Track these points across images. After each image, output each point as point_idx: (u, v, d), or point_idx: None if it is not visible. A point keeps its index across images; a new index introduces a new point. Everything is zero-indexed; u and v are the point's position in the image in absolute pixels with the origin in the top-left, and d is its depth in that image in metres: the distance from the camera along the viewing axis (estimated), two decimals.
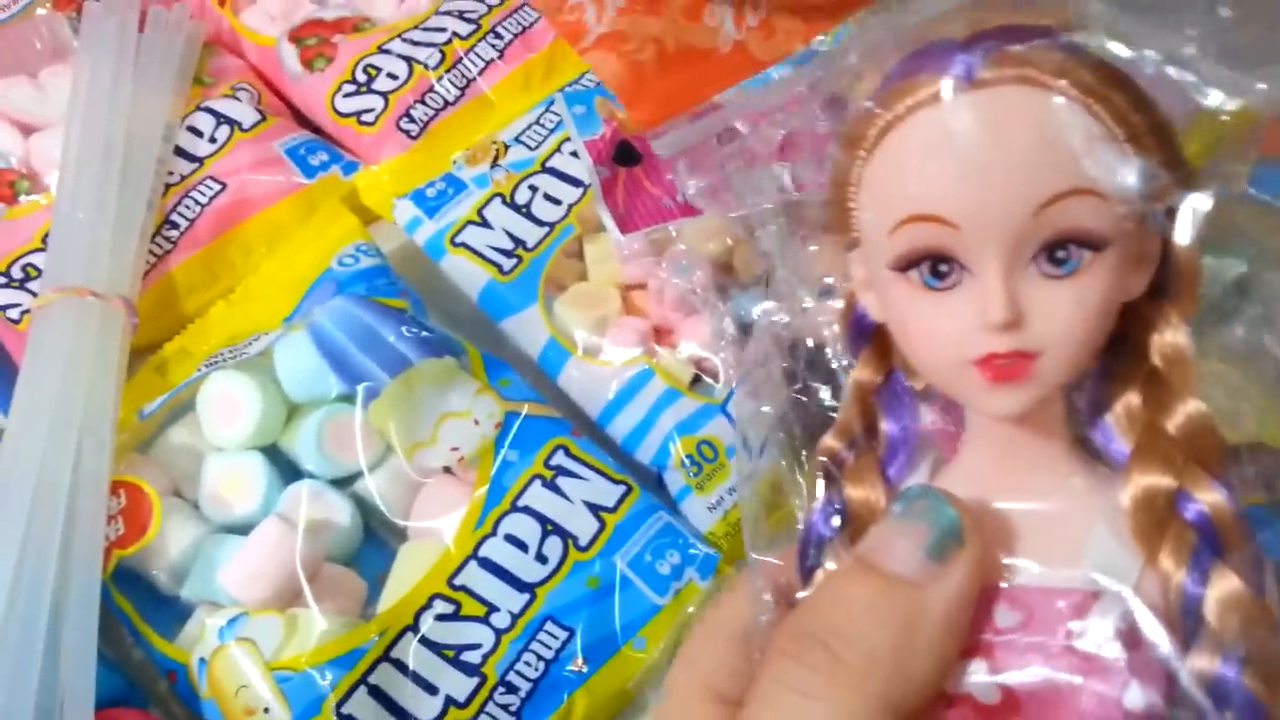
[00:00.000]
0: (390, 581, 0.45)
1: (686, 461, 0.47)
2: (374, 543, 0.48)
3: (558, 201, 0.55)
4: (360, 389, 0.47)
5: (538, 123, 0.58)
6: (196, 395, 0.49)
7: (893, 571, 0.23)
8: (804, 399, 0.35)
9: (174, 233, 0.56)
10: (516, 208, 0.55)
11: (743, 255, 0.53)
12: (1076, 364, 0.23)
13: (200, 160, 0.58)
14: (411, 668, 0.42)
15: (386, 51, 0.61)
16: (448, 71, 0.61)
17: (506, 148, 0.57)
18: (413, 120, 0.59)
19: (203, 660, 0.43)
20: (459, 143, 0.58)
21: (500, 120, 0.59)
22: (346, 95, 0.61)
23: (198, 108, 0.60)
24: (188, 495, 0.49)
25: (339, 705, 0.40)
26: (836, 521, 0.26)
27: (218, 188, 0.57)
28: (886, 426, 0.26)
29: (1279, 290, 0.58)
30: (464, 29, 0.62)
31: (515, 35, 0.63)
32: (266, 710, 0.41)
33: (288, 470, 0.49)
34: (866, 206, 0.24)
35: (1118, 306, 0.23)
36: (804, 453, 0.38)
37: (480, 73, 0.61)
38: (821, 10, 0.40)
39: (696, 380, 0.50)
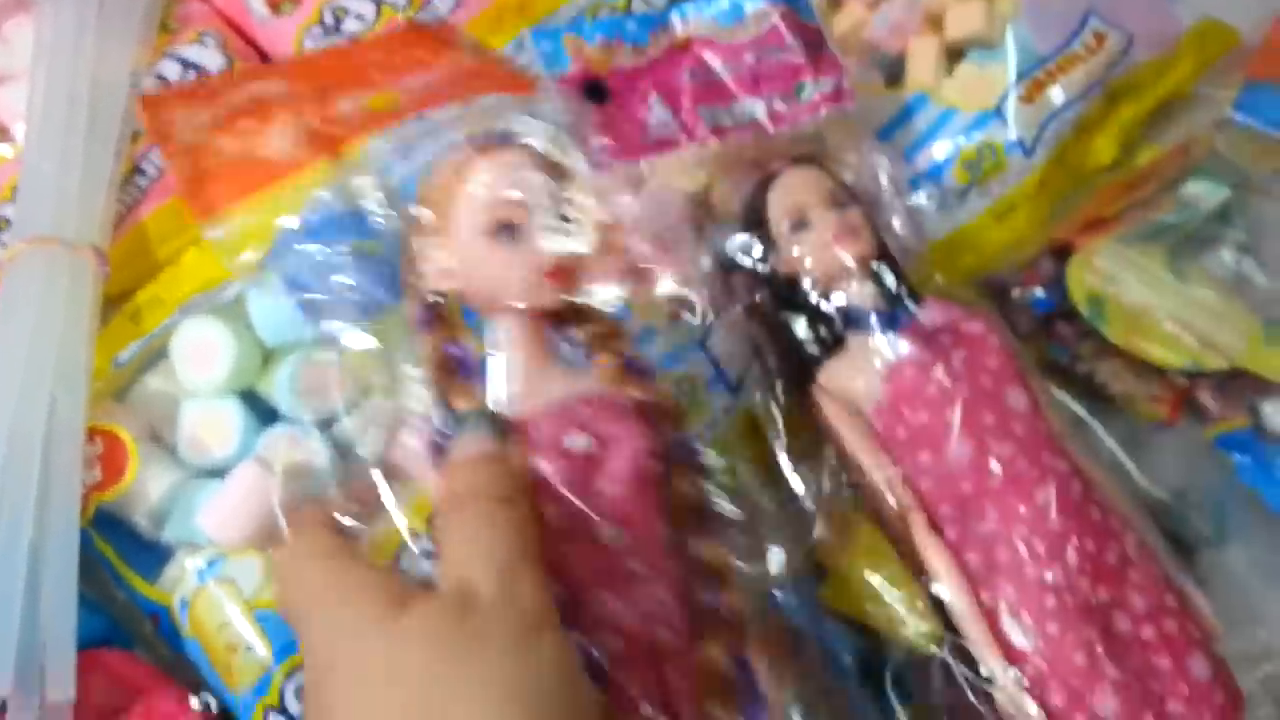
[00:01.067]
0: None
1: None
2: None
3: None
4: (335, 332, 0.46)
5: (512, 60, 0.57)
6: (170, 341, 0.48)
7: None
8: (779, 332, 0.47)
9: (144, 180, 0.55)
10: None
11: (720, 191, 0.53)
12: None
13: None
14: None
15: None
16: (418, 11, 0.60)
17: None
18: None
19: (184, 601, 0.43)
20: None
21: None
22: (315, 38, 0.59)
23: (164, 55, 0.59)
24: (166, 440, 0.48)
25: None
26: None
27: None
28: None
29: (1263, 216, 0.58)
30: None
31: None
32: (249, 648, 0.41)
33: (267, 414, 0.48)
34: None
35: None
36: (777, 384, 0.41)
37: (451, 10, 0.60)
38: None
39: (675, 318, 0.50)
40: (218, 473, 0.46)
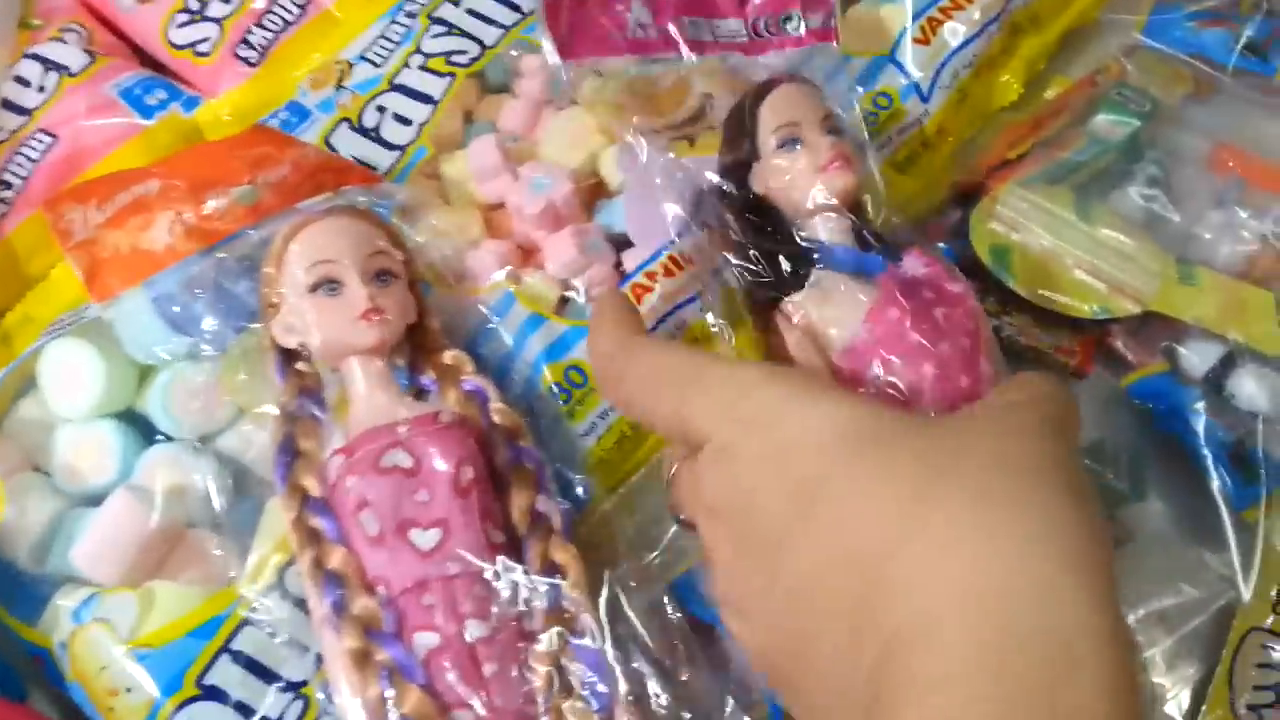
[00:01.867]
0: (256, 540, 0.43)
1: (555, 389, 0.45)
2: (244, 499, 0.46)
3: (408, 122, 0.52)
4: (204, 344, 0.44)
5: (384, 36, 0.54)
6: (37, 366, 0.46)
7: None
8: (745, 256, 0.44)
9: (8, 193, 0.53)
10: (365, 131, 0.52)
11: (609, 163, 0.51)
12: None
13: (29, 112, 0.54)
14: (276, 626, 0.40)
15: None
16: None
17: (351, 66, 0.54)
18: (250, 46, 0.56)
19: (63, 644, 0.41)
20: (302, 66, 0.55)
21: (345, 36, 0.55)
22: (180, 25, 0.57)
23: (24, 55, 0.56)
24: (45, 469, 0.46)
25: (200, 677, 0.39)
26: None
27: (49, 140, 0.53)
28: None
29: (1176, 148, 0.56)
30: None
31: None
32: (129, 690, 0.39)
33: (152, 433, 0.46)
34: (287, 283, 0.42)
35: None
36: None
37: None
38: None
39: (564, 301, 0.48)
40: (98, 500, 0.44)
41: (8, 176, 0.53)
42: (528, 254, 0.49)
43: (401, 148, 0.51)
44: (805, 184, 0.43)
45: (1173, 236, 0.51)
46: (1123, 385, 0.49)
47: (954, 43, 0.53)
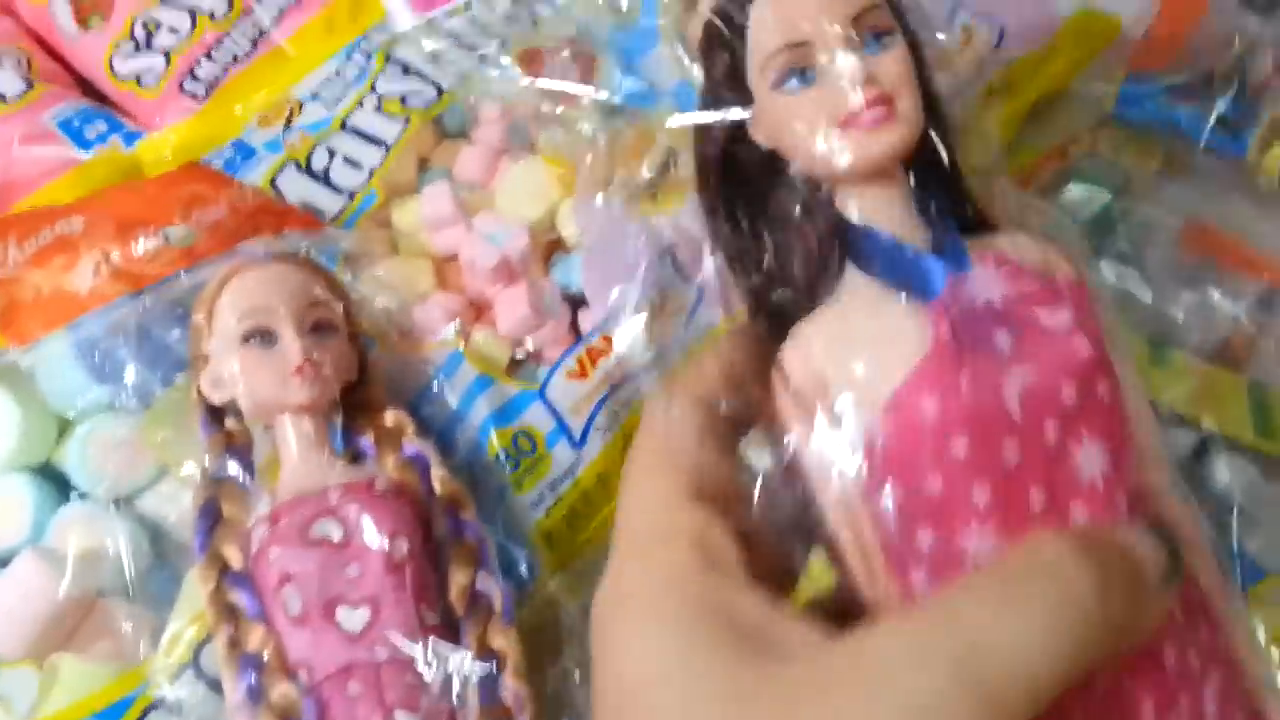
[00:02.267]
0: (174, 612, 0.40)
1: (502, 455, 0.42)
2: (163, 567, 0.43)
3: (358, 165, 0.50)
4: (127, 397, 0.42)
5: (337, 74, 0.52)
6: None
7: None
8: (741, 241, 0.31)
9: None
10: (313, 174, 0.49)
11: (567, 217, 0.49)
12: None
13: None
14: (187, 710, 0.37)
15: (168, 3, 0.55)
16: (237, 21, 0.55)
17: (301, 106, 0.51)
18: (198, 80, 0.53)
19: None
20: (250, 103, 0.52)
21: (296, 73, 0.53)
22: (125, 55, 0.55)
23: None
24: None
25: None
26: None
27: None
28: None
29: (1148, 223, 0.55)
30: None
31: None
32: None
33: (68, 490, 0.44)
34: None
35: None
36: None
37: (275, 21, 0.55)
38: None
39: (515, 363, 0.45)
40: (5, 562, 0.41)
41: None
42: (479, 310, 0.47)
43: (351, 192, 0.49)
44: (829, 128, 0.27)
45: (1144, 316, 0.50)
46: None
47: None
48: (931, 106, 0.29)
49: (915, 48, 0.29)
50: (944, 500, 0.25)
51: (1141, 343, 0.48)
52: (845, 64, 0.28)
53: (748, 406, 0.29)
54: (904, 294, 0.27)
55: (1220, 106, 0.57)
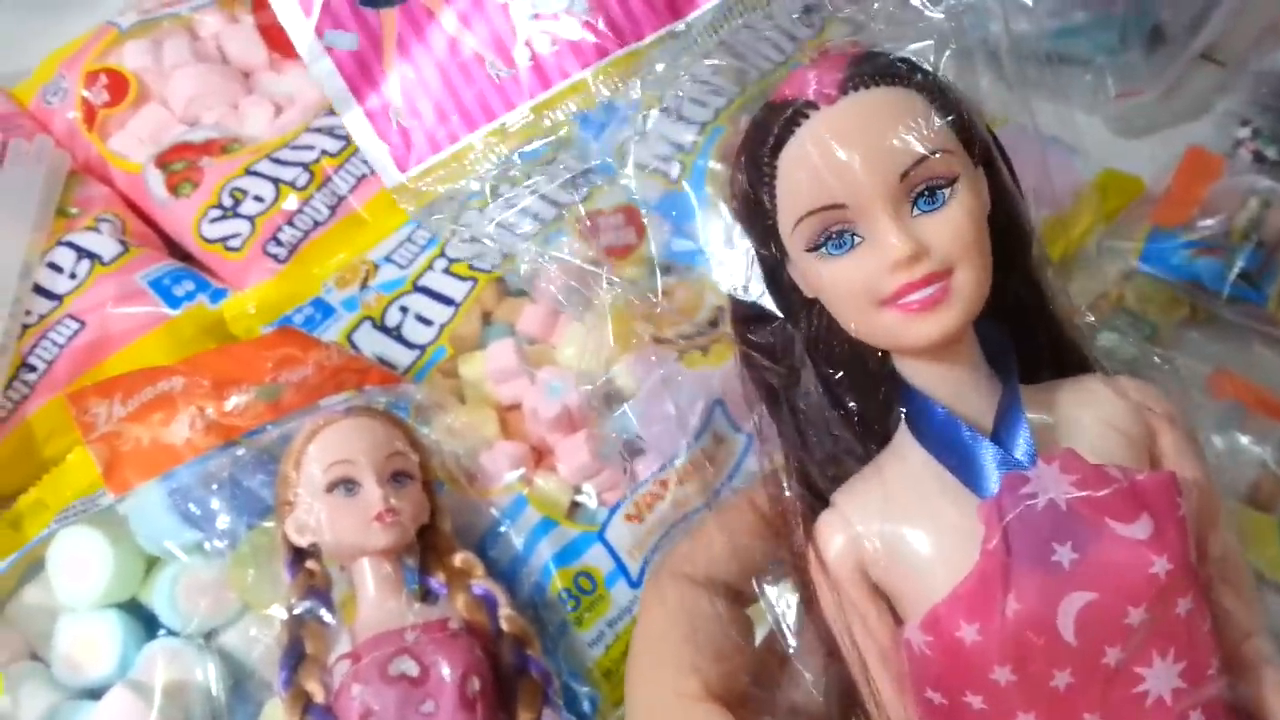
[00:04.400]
0: None
1: (564, 595, 0.45)
2: (244, 700, 0.45)
3: (429, 322, 0.53)
4: (215, 540, 0.44)
5: (410, 239, 0.56)
6: (46, 553, 0.46)
7: None
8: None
9: (32, 376, 0.54)
10: (387, 330, 0.53)
11: (624, 370, 0.52)
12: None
13: (59, 298, 0.56)
14: None
15: (254, 173, 0.60)
16: (317, 190, 0.59)
17: (376, 268, 0.55)
18: (280, 243, 0.58)
19: None
20: (329, 264, 0.56)
21: (372, 238, 0.57)
22: (213, 220, 0.59)
23: (59, 242, 0.58)
24: (45, 658, 0.46)
25: None
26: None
27: (76, 326, 0.55)
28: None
29: (1175, 371, 0.58)
30: (333, 146, 0.61)
31: None
32: None
33: (153, 624, 0.46)
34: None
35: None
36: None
37: (351, 190, 0.60)
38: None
39: (575, 507, 0.48)
40: (96, 693, 0.44)
41: (33, 360, 0.54)
42: (541, 456, 0.50)
43: (422, 347, 0.52)
44: (863, 317, 0.26)
45: None
46: None
47: None
48: (1015, 244, 0.26)
49: (995, 178, 0.26)
50: (987, 714, 0.24)
51: None
52: (887, 235, 0.24)
53: (753, 567, 0.30)
54: (956, 478, 0.24)
55: (1240, 261, 0.59)
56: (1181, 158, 0.63)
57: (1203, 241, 0.61)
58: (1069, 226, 0.59)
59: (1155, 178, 0.63)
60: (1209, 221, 0.61)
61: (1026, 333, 0.27)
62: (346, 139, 0.61)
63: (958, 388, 0.26)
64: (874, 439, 0.27)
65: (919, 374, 0.26)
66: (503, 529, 0.46)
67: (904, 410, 0.26)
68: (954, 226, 0.25)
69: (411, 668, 0.38)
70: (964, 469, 0.25)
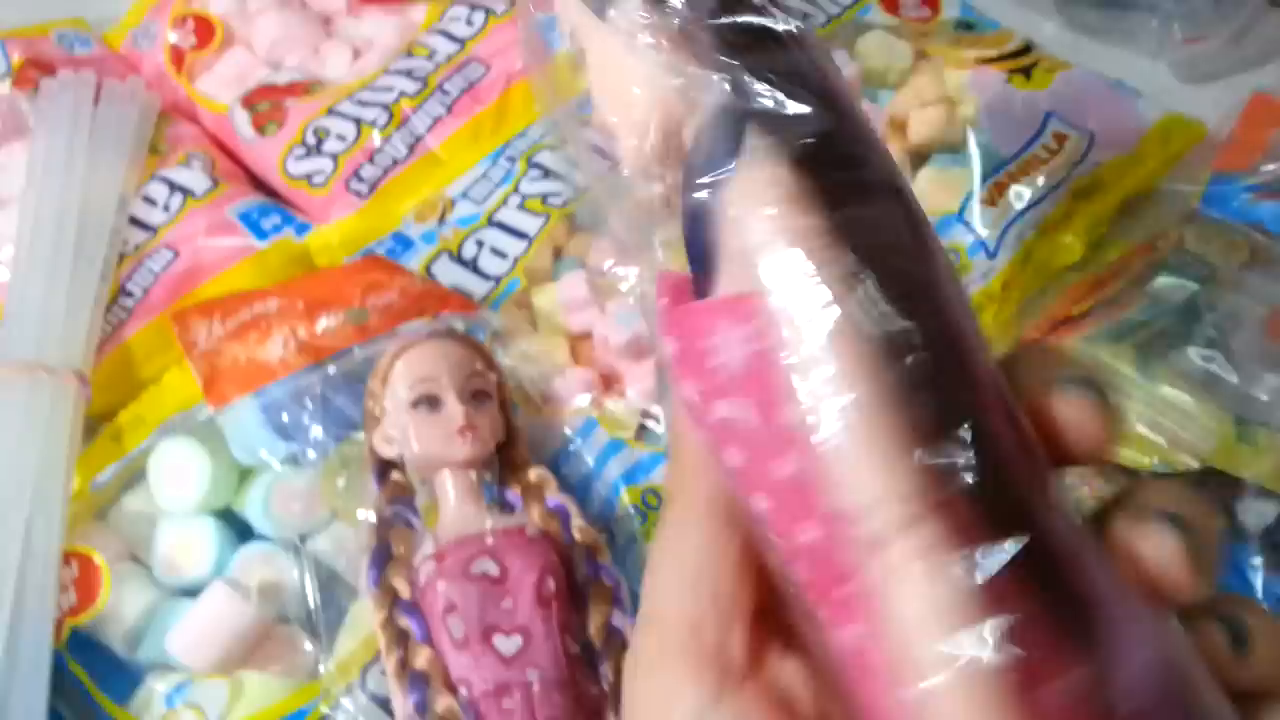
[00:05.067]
0: (341, 638, 0.45)
1: (632, 510, 0.47)
2: (330, 601, 0.48)
3: (503, 255, 0.55)
4: (308, 451, 0.47)
5: (485, 176, 0.59)
6: (148, 462, 0.49)
7: None
8: None
9: (129, 301, 0.57)
10: (463, 262, 0.55)
11: None
12: (493, 435, 0.44)
13: (154, 229, 0.59)
14: None
15: (336, 113, 0.62)
16: (396, 130, 0.62)
17: (453, 203, 0.58)
18: (361, 180, 0.60)
19: None
20: (408, 200, 0.59)
21: (448, 175, 0.59)
22: (297, 158, 0.61)
23: (152, 177, 0.61)
24: (143, 560, 0.49)
25: None
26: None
27: (171, 255, 0.58)
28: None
29: (1234, 312, 0.59)
30: (411, 87, 0.63)
31: (463, 90, 0.63)
32: None
33: (245, 532, 0.49)
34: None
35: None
36: None
37: (429, 129, 0.62)
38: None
39: (643, 429, 0.50)
40: (193, 592, 0.47)
41: (131, 286, 0.57)
42: (610, 382, 0.52)
43: (497, 278, 0.55)
44: None
45: (1230, 397, 0.53)
46: None
47: (1019, 205, 0.56)
48: None
49: None
50: None
51: (1229, 420, 0.51)
52: None
53: None
54: None
55: None
56: (1246, 103, 0.63)
57: (1265, 186, 0.61)
58: (1131, 169, 0.60)
59: (1219, 124, 0.63)
60: (1272, 166, 0.61)
61: None
62: (424, 81, 0.63)
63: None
64: None
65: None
66: (574, 448, 0.49)
67: None
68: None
69: (492, 568, 0.41)
70: None
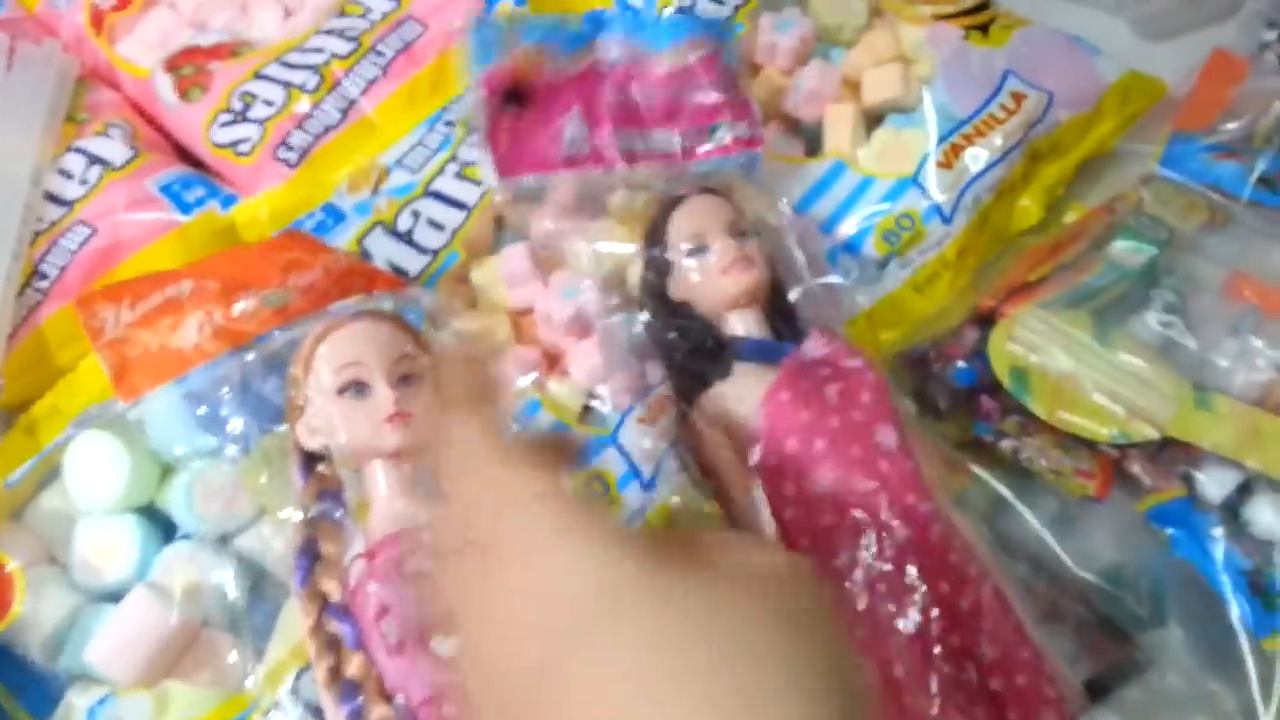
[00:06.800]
0: (272, 643, 0.43)
1: None
2: (259, 603, 0.46)
3: (441, 227, 0.53)
4: (229, 445, 0.45)
5: (421, 143, 0.56)
6: (62, 458, 0.46)
7: None
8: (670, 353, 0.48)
9: (43, 283, 0.54)
10: (399, 235, 0.53)
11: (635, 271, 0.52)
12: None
13: (70, 204, 0.56)
14: None
15: (263, 77, 0.59)
16: (327, 94, 0.58)
17: (388, 172, 0.55)
18: (290, 148, 0.57)
19: None
20: (340, 169, 0.56)
21: (383, 142, 0.57)
22: (223, 125, 0.58)
23: (69, 148, 0.58)
24: (62, 562, 0.47)
25: None
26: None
27: (88, 232, 0.55)
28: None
29: (1192, 275, 0.57)
30: (343, 48, 0.60)
31: (398, 51, 0.60)
32: None
33: (169, 529, 0.47)
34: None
35: None
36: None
37: (362, 93, 0.59)
38: None
39: (587, 410, 0.48)
40: (115, 596, 0.44)
41: (45, 267, 0.54)
42: (553, 361, 0.50)
43: (434, 252, 0.52)
44: (715, 283, 0.47)
45: (1189, 363, 0.51)
46: (1141, 510, 0.49)
47: (975, 168, 0.55)
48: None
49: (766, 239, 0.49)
50: (797, 453, 0.43)
51: (1187, 387, 0.50)
52: (727, 243, 0.47)
53: None
54: (765, 360, 0.45)
55: (1261, 165, 0.59)
56: (1206, 60, 0.62)
57: (1224, 145, 0.60)
58: (1090, 128, 0.58)
59: (1178, 81, 0.62)
60: (1231, 125, 0.60)
61: None
62: (357, 41, 0.60)
63: (762, 328, 0.47)
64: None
65: (743, 325, 0.47)
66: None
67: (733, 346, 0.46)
68: (749, 245, 0.48)
69: (428, 565, 0.39)
70: (774, 356, 0.46)
